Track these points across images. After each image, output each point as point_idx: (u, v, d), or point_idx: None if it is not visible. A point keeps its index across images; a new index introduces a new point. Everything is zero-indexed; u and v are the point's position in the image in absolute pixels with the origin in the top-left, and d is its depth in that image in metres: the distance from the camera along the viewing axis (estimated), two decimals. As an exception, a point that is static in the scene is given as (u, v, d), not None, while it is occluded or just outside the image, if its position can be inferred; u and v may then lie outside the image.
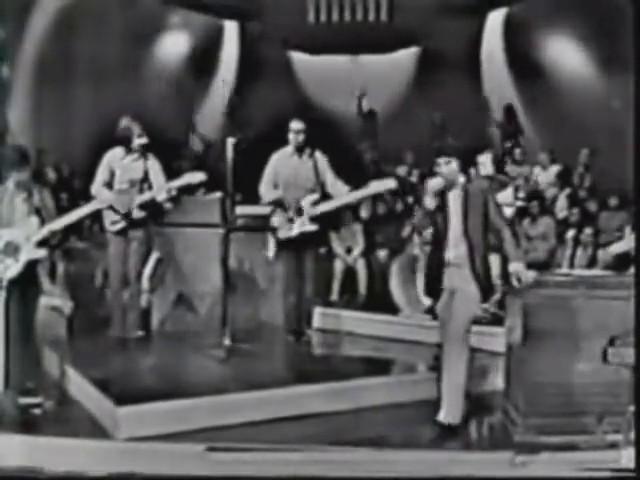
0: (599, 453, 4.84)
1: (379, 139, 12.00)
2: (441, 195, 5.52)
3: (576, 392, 5.18)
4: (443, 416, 5.38)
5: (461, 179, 5.53)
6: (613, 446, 4.87)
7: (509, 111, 11.43)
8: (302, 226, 7.09)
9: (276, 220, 7.16)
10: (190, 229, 7.99)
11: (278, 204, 7.18)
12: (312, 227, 7.12)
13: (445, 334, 5.51)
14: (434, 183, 5.52)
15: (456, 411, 5.38)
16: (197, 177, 6.96)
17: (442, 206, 5.52)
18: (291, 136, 7.18)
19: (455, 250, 5.48)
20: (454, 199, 5.52)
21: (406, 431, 5.49)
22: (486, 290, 5.57)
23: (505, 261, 7.83)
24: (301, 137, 7.17)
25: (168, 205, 7.12)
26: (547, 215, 9.23)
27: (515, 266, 5.37)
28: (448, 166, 5.49)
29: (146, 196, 7.05)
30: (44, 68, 10.94)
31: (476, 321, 7.22)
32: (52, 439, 4.94)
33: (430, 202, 5.53)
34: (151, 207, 7.08)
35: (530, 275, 5.39)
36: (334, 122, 11.83)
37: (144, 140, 7.10)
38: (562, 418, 5.14)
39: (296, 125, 7.18)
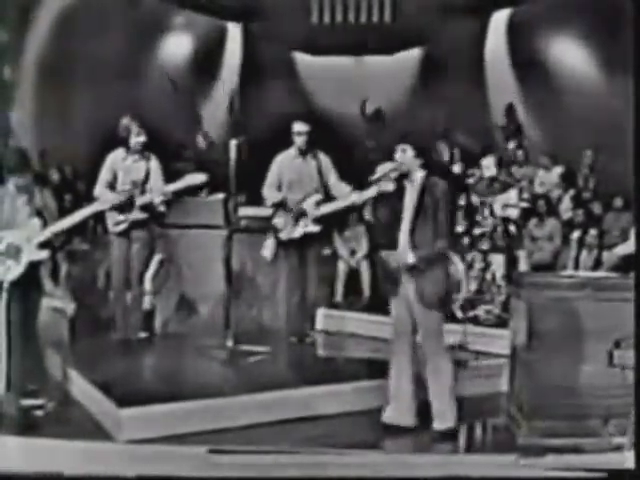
0: (604, 456, 4.82)
1: (385, 140, 11.97)
2: (398, 185, 5.36)
3: (581, 394, 5.15)
4: (439, 423, 5.37)
5: (419, 173, 5.38)
6: (619, 449, 4.85)
7: (509, 111, 11.42)
8: (305, 227, 7.09)
9: (279, 221, 7.16)
10: (193, 230, 7.99)
11: (282, 206, 7.17)
12: (315, 228, 7.12)
13: (423, 344, 5.41)
14: (382, 167, 5.35)
15: (450, 414, 5.36)
16: (197, 179, 6.94)
17: (398, 196, 5.37)
18: (295, 138, 7.19)
19: (403, 252, 5.32)
20: (409, 194, 5.37)
21: (411, 433, 5.45)
22: (440, 303, 5.38)
23: (509, 262, 7.87)
24: (305, 139, 7.17)
25: (162, 208, 7.09)
26: (553, 216, 9.22)
27: (402, 253, 5.27)
28: (403, 154, 5.34)
29: (143, 199, 7.03)
30: (47, 69, 10.94)
31: (480, 323, 7.28)
32: (54, 441, 4.92)
33: (382, 185, 5.36)
34: (151, 209, 7.06)
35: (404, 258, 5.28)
36: (338, 123, 11.81)
37: (142, 138, 7.08)
38: (567, 420, 5.12)
39: (300, 127, 7.18)
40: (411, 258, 5.26)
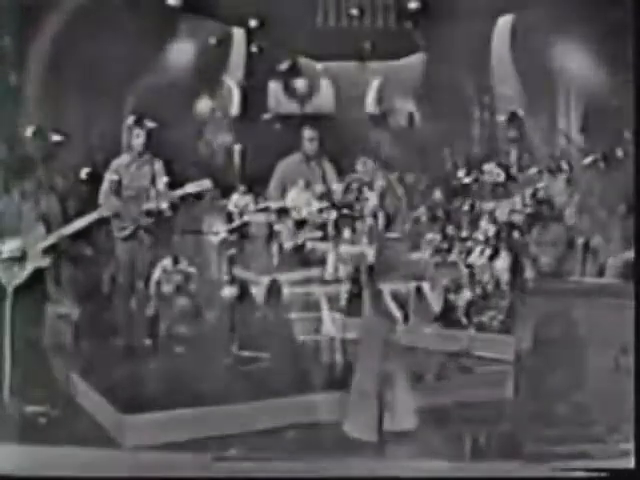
0: (609, 462, 4.81)
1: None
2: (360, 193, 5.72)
3: (586, 400, 5.15)
4: (412, 422, 5.37)
5: (380, 182, 5.58)
6: (625, 454, 4.84)
7: (513, 115, 11.42)
8: (307, 233, 7.10)
9: (282, 227, 7.17)
10: (198, 235, 7.99)
11: (285, 211, 7.19)
12: (316, 234, 7.13)
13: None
14: (347, 177, 5.80)
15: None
16: (203, 185, 6.96)
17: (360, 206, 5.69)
18: (305, 144, 7.21)
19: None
20: (371, 200, 5.74)
21: (413, 438, 5.45)
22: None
23: (514, 268, 7.86)
24: (314, 145, 7.20)
25: (167, 213, 7.11)
26: (558, 222, 9.20)
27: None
28: (364, 165, 5.79)
29: (148, 204, 7.04)
30: (52, 75, 10.95)
31: (485, 329, 7.26)
32: (58, 448, 4.92)
33: (350, 198, 5.63)
34: (156, 214, 7.08)
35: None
36: (342, 127, 11.81)
37: (142, 139, 7.09)
38: (572, 427, 5.11)
39: (311, 133, 7.21)
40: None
